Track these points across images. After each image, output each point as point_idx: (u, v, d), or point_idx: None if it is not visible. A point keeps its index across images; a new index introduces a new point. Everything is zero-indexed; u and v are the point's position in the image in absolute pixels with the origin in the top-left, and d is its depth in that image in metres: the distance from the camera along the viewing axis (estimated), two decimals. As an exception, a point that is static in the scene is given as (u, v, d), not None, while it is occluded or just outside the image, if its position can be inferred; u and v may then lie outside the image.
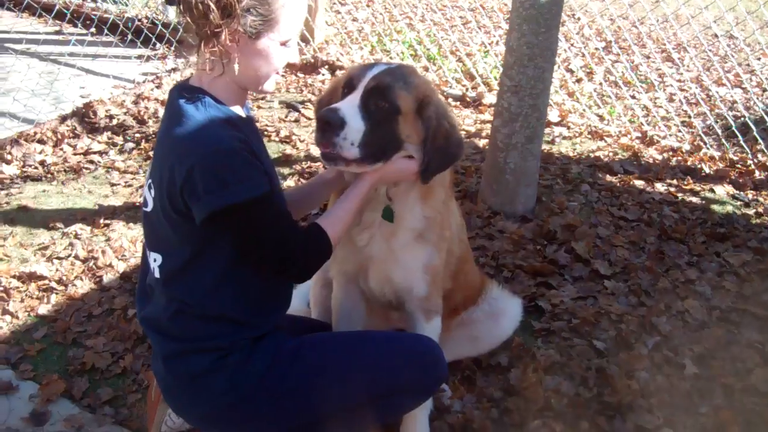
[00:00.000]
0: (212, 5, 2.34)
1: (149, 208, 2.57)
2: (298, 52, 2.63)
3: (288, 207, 2.70)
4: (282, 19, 2.45)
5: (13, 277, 4.31)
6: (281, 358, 2.63)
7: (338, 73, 7.83)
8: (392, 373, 2.66)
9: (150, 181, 2.57)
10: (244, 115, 2.64)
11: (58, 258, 4.52)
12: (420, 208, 2.81)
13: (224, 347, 2.55)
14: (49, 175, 5.63)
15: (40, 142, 6.09)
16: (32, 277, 4.30)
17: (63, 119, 6.43)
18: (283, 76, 7.75)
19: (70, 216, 5.01)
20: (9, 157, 5.82)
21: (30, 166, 5.76)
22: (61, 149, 6.03)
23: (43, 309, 4.05)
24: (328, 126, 2.48)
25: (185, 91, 2.53)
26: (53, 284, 4.26)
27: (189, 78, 2.65)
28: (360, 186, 2.68)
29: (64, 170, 5.72)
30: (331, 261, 3.12)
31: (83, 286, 4.25)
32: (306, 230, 2.56)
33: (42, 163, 5.80)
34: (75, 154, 5.97)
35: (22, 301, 4.13)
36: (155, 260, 2.60)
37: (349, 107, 2.53)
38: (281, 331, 2.75)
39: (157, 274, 2.61)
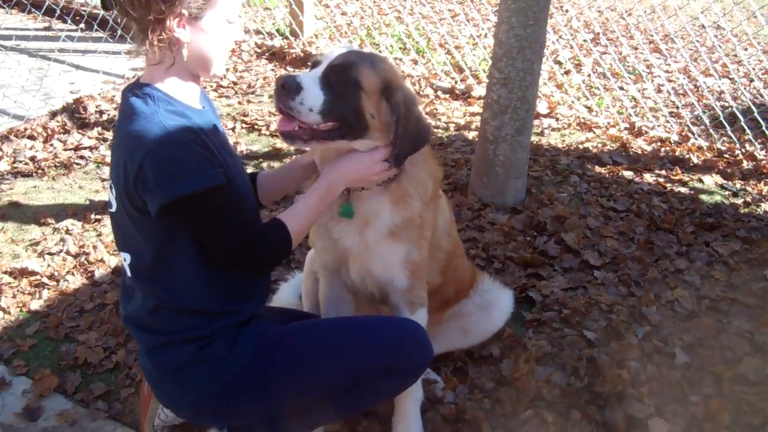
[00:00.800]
0: None
1: (113, 209, 2.59)
2: (242, 29, 2.62)
3: (264, 189, 2.75)
4: None
5: (5, 273, 4.31)
6: (265, 346, 2.64)
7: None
8: (377, 356, 2.67)
9: (111, 181, 2.58)
10: (200, 107, 2.64)
11: (50, 253, 4.53)
12: (389, 213, 2.81)
13: (205, 336, 2.57)
14: (39, 171, 5.62)
15: (31, 138, 6.08)
16: (24, 272, 4.31)
17: (53, 115, 6.42)
18: (272, 70, 7.80)
19: (61, 211, 5.01)
20: (-1, 153, 5.82)
21: (20, 162, 5.75)
22: (52, 145, 6.02)
23: (35, 304, 4.05)
24: (283, 89, 2.48)
25: (135, 88, 2.52)
26: (45, 280, 4.26)
27: (137, 78, 2.64)
28: (320, 181, 2.67)
29: (55, 166, 5.71)
30: (315, 254, 3.17)
31: (75, 282, 4.25)
32: (266, 225, 2.56)
33: (32, 158, 5.79)
34: (65, 150, 5.96)
35: (14, 296, 4.13)
36: (125, 260, 2.61)
37: (309, 77, 2.53)
38: (266, 320, 2.77)
39: (128, 273, 2.62)
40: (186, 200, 2.34)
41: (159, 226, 2.44)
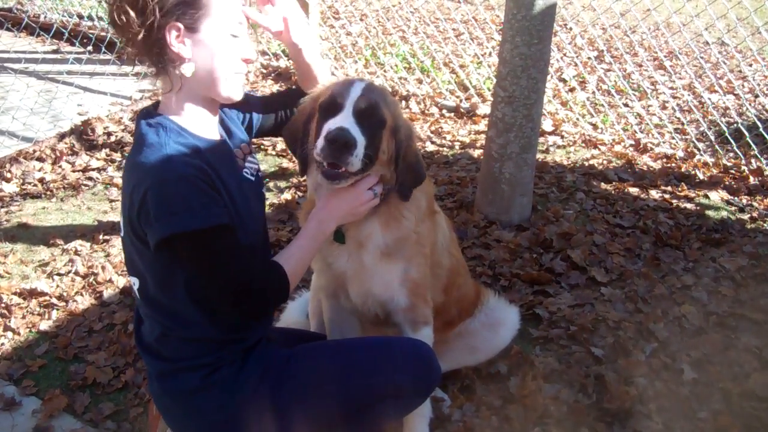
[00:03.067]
0: (149, 9, 2.36)
1: (123, 234, 2.58)
2: (252, 48, 2.60)
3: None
4: (214, 3, 2.46)
5: (15, 293, 4.33)
6: (272, 372, 2.65)
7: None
8: (384, 378, 2.66)
9: (121, 208, 2.58)
10: (217, 138, 2.63)
11: (59, 274, 4.55)
12: (381, 234, 2.82)
13: (211, 363, 2.57)
14: (48, 193, 5.67)
15: (39, 159, 6.14)
16: (33, 293, 4.33)
17: (61, 137, 6.48)
18: (278, 90, 7.85)
19: (69, 232, 5.04)
20: (8, 175, 5.88)
21: (29, 183, 5.81)
22: (60, 167, 6.08)
23: (45, 325, 4.08)
24: (345, 147, 2.47)
25: (148, 117, 2.52)
26: (54, 300, 4.28)
27: (156, 103, 2.63)
28: (310, 221, 2.68)
29: (63, 187, 5.76)
30: (314, 275, 3.20)
31: (84, 302, 4.27)
32: (263, 269, 2.54)
33: (41, 180, 5.85)
34: (74, 171, 6.01)
35: (23, 317, 4.15)
36: (134, 284, 2.61)
37: (351, 125, 2.53)
38: (273, 343, 2.78)
39: (138, 297, 2.63)
40: (183, 237, 2.33)
41: (157, 260, 2.44)
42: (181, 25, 2.41)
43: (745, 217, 5.22)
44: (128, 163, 2.50)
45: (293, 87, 3.07)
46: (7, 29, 9.11)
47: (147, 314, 2.63)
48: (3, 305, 4.22)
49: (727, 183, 5.73)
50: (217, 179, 2.44)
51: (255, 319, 2.62)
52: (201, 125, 2.57)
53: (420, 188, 2.89)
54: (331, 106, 2.60)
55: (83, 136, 6.50)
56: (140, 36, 2.40)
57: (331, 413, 2.69)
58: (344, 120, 2.54)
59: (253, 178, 2.74)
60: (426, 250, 2.96)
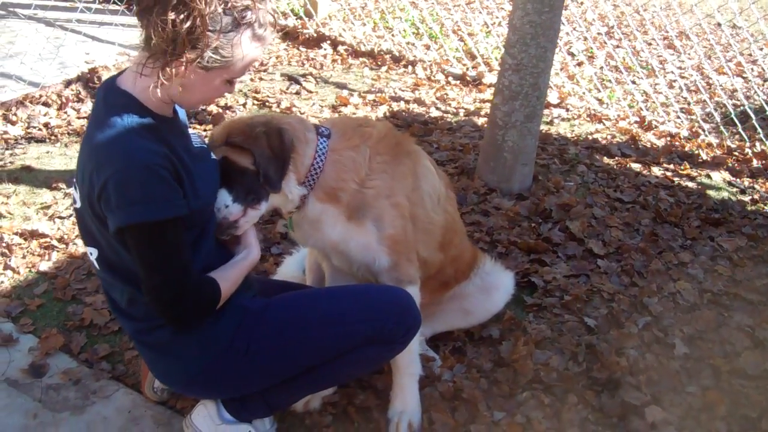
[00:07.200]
0: (183, 34, 2.29)
1: (78, 206, 2.56)
2: (235, 89, 2.64)
3: None
4: (237, 65, 2.44)
5: (16, 233, 4.35)
6: (249, 319, 2.68)
7: (340, 48, 7.86)
8: (363, 324, 2.69)
9: (75, 180, 2.57)
10: (171, 115, 2.60)
11: (60, 217, 4.56)
12: (330, 209, 2.85)
13: None
14: (52, 137, 5.68)
15: (45, 104, 6.13)
16: (34, 234, 4.35)
17: (68, 83, 6.46)
18: (285, 49, 7.83)
19: (72, 177, 4.92)
20: (14, 118, 5.87)
21: (34, 127, 5.80)
22: (65, 112, 6.07)
23: (44, 266, 4.10)
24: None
25: (112, 93, 2.48)
26: (54, 242, 4.30)
27: (120, 73, 2.58)
28: (253, 250, 2.77)
29: (68, 133, 5.76)
30: None
31: (83, 245, 4.27)
32: (201, 278, 2.53)
33: (46, 125, 5.84)
34: (78, 118, 6.00)
35: (23, 257, 4.17)
36: (91, 254, 2.61)
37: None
38: (250, 292, 2.80)
39: (97, 266, 2.62)
40: (137, 227, 2.34)
41: (117, 242, 2.44)
42: (200, 62, 2.38)
43: (746, 198, 5.23)
44: (88, 139, 2.45)
45: None
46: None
47: (110, 282, 2.63)
48: (4, 244, 4.23)
49: (730, 164, 5.73)
50: (176, 159, 2.43)
51: (178, 327, 2.56)
52: (161, 105, 2.51)
53: (352, 146, 2.89)
54: None
55: (89, 83, 6.47)
56: (168, 49, 2.34)
57: (309, 359, 2.73)
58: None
59: (204, 145, 2.76)
60: (397, 200, 2.91)
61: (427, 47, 7.95)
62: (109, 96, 2.48)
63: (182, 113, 2.76)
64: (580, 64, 7.79)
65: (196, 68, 2.38)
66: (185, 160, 2.49)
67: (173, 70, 2.36)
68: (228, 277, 2.61)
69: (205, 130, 5.66)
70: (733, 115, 6.29)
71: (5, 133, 5.66)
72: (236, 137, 2.71)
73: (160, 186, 2.34)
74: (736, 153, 5.92)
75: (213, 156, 2.71)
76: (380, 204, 2.86)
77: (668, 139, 6.15)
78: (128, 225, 2.33)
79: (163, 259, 2.40)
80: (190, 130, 2.78)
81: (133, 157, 2.32)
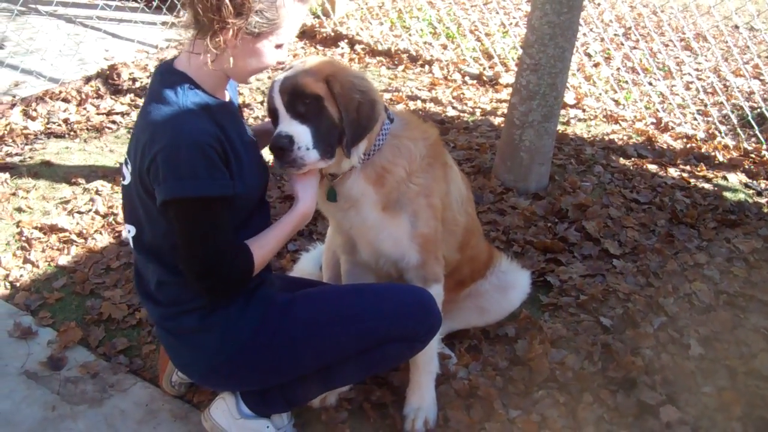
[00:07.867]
0: (227, 1, 2.36)
1: (126, 182, 2.63)
2: (287, 53, 2.67)
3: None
4: (284, 25, 2.51)
5: (35, 228, 4.40)
6: (274, 312, 2.71)
7: (357, 47, 7.87)
8: (385, 322, 2.72)
9: (127, 156, 2.63)
10: (227, 99, 2.68)
11: (79, 212, 4.61)
12: (372, 192, 2.84)
13: (206, 305, 2.63)
14: (72, 133, 5.72)
15: (65, 100, 6.19)
16: (53, 229, 4.40)
17: (87, 80, 6.53)
18: (302, 48, 7.85)
19: (91, 173, 5.09)
20: (34, 113, 5.93)
21: (54, 123, 5.86)
22: (85, 108, 6.13)
23: (63, 260, 4.14)
24: (282, 150, 2.57)
25: (168, 73, 2.57)
26: (73, 237, 4.35)
27: (175, 57, 2.66)
28: (295, 210, 2.71)
29: (87, 129, 5.81)
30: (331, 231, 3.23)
31: (102, 240, 4.34)
32: (235, 251, 2.56)
33: (66, 120, 5.90)
34: (98, 114, 6.06)
35: (43, 251, 4.22)
36: (129, 231, 2.67)
37: (285, 123, 2.62)
38: (274, 288, 2.82)
39: (132, 245, 2.69)
40: (182, 202, 2.40)
41: (161, 215, 2.50)
42: (247, 29, 2.44)
43: (763, 201, 5.21)
44: (144, 114, 2.53)
45: None
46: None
47: (143, 263, 2.69)
48: (24, 238, 4.29)
49: (746, 166, 5.70)
50: (226, 142, 2.49)
51: (212, 296, 2.61)
52: (215, 86, 2.61)
53: (413, 138, 2.91)
54: (272, 114, 2.72)
55: (109, 80, 6.55)
56: (214, 22, 2.41)
57: (330, 356, 2.76)
58: (282, 123, 2.63)
59: (255, 138, 2.80)
60: (433, 201, 2.95)
61: (444, 47, 7.95)
62: (165, 75, 2.56)
63: (236, 100, 2.81)
64: (596, 65, 7.77)
65: (245, 35, 2.44)
66: (236, 145, 2.55)
67: (223, 39, 2.42)
68: (266, 243, 2.63)
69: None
70: (750, 117, 6.26)
71: (25, 128, 5.72)
72: (335, 85, 2.68)
73: (207, 164, 2.40)
74: (753, 155, 5.89)
75: (294, 74, 2.68)
76: (419, 202, 2.89)
77: (684, 140, 6.13)
78: (173, 198, 2.39)
79: (203, 236, 2.46)
80: None
81: (183, 133, 2.39)
